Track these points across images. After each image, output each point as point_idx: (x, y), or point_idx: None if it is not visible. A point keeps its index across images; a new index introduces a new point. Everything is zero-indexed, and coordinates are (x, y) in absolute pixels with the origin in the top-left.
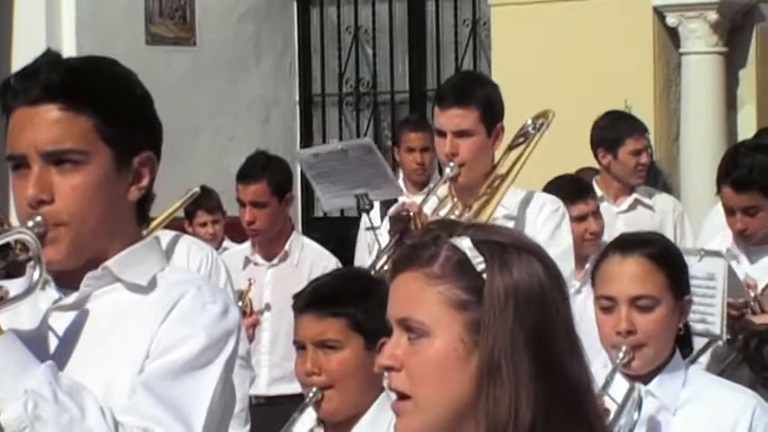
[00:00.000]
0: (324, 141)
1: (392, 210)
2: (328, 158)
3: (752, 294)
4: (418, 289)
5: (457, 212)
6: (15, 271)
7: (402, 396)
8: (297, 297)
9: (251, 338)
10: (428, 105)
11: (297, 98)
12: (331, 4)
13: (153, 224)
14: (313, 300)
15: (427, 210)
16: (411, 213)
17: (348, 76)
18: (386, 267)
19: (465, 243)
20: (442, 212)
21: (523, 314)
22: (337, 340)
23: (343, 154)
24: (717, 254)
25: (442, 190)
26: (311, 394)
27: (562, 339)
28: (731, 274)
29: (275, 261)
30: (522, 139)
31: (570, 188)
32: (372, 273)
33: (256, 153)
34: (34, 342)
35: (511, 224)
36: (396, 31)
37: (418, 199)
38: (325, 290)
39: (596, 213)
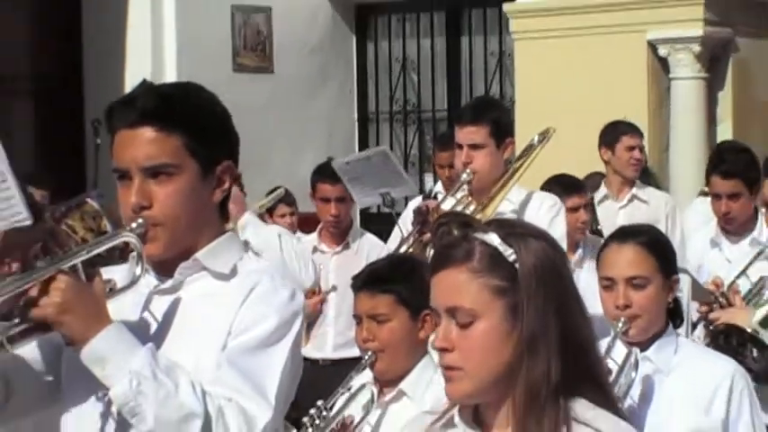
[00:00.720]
0: None
1: (415, 206)
2: (356, 165)
3: (718, 292)
4: (462, 282)
5: (471, 208)
6: (111, 258)
7: (452, 368)
8: (355, 278)
9: (319, 313)
10: None
11: (355, 116)
12: (383, 39)
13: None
14: (367, 280)
15: (445, 207)
16: (430, 209)
17: (397, 98)
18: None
19: (494, 239)
20: (459, 208)
21: (549, 290)
22: (386, 313)
23: (367, 160)
24: (684, 271)
25: (460, 192)
26: (367, 357)
27: (575, 305)
28: (695, 284)
29: (338, 249)
30: (527, 150)
31: (567, 183)
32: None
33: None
34: (136, 323)
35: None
36: (436, 61)
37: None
38: (377, 272)
39: (587, 206)
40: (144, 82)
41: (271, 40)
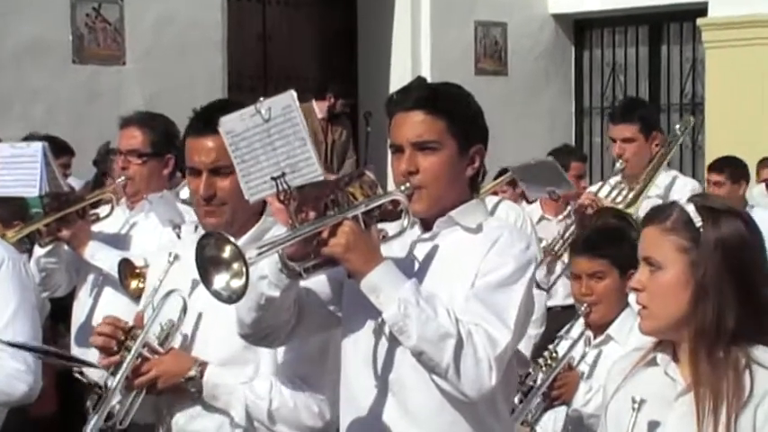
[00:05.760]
0: (591, 141)
1: (579, 200)
2: (529, 168)
3: None
4: (656, 237)
5: (624, 193)
6: (386, 217)
7: (643, 306)
8: (574, 243)
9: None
10: (661, 116)
11: (573, 110)
12: (596, 48)
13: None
14: (586, 246)
15: (602, 194)
16: (590, 201)
17: (607, 95)
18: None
19: (690, 207)
20: (614, 193)
21: (729, 258)
22: (603, 272)
23: (540, 165)
24: None
25: (614, 178)
26: (583, 308)
27: (758, 275)
28: None
29: (561, 217)
30: (672, 140)
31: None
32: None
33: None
34: (403, 263)
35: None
36: (640, 66)
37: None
38: (593, 238)
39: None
40: (418, 77)
41: (506, 48)
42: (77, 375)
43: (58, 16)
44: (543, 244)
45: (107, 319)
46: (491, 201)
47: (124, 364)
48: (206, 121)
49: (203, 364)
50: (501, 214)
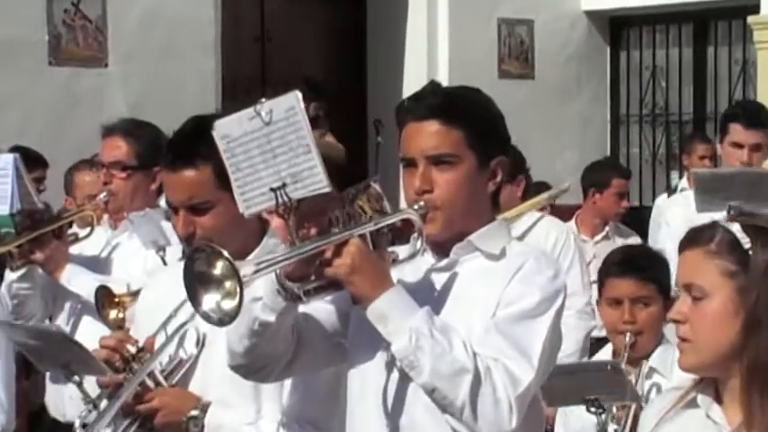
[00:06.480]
0: (628, 152)
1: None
2: None
3: None
4: (699, 261)
5: None
6: (397, 238)
7: (684, 340)
8: (615, 265)
9: None
10: (707, 125)
11: (608, 118)
12: (635, 49)
13: (523, 206)
14: (631, 267)
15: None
16: None
17: (646, 102)
18: None
19: (735, 227)
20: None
21: None
22: (650, 297)
23: None
24: None
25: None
26: (627, 339)
27: None
28: None
29: (598, 238)
30: None
31: None
32: None
33: (606, 159)
34: (415, 292)
35: None
36: (683, 69)
37: None
38: (639, 260)
39: None
40: (432, 82)
41: (532, 49)
42: (74, 384)
43: (33, 12)
44: (594, 264)
45: (116, 334)
46: (531, 216)
47: (127, 387)
48: (178, 152)
49: (206, 404)
50: (540, 231)
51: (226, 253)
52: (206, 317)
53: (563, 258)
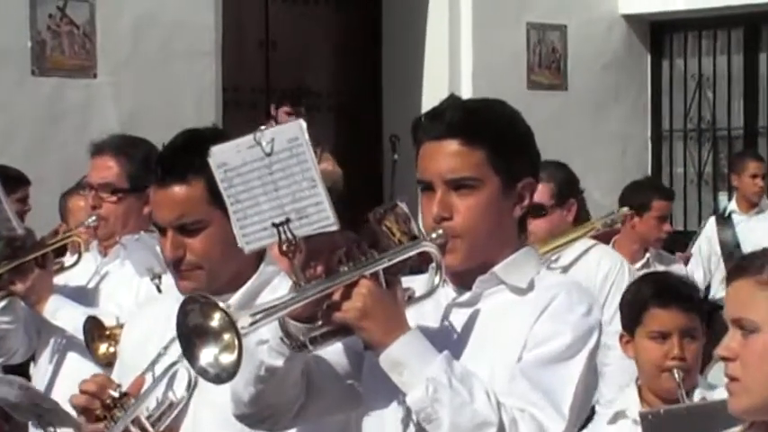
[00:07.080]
0: (671, 171)
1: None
2: None
3: None
4: (749, 293)
5: None
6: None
7: (733, 379)
8: (660, 292)
9: None
10: (759, 141)
11: (649, 134)
12: (679, 57)
13: (578, 233)
14: (679, 297)
15: None
16: None
17: (692, 116)
18: None
19: None
20: None
21: None
22: (698, 330)
23: None
24: None
25: None
26: (677, 375)
27: None
28: None
29: (638, 266)
30: None
31: None
32: None
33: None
34: (434, 332)
35: None
36: (733, 79)
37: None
38: (685, 289)
39: None
40: (451, 96)
41: (565, 57)
42: None
43: (15, 17)
44: None
45: (96, 378)
46: (582, 244)
47: None
48: (168, 167)
49: None
50: (591, 261)
51: (221, 304)
52: (203, 373)
53: (616, 291)
